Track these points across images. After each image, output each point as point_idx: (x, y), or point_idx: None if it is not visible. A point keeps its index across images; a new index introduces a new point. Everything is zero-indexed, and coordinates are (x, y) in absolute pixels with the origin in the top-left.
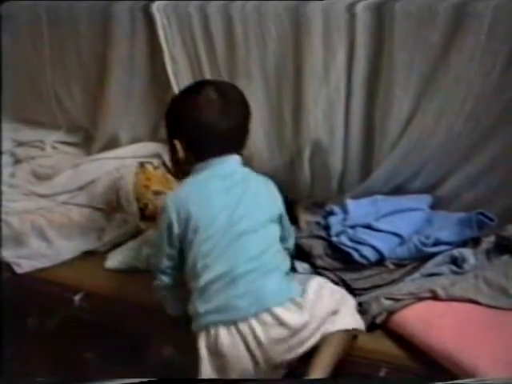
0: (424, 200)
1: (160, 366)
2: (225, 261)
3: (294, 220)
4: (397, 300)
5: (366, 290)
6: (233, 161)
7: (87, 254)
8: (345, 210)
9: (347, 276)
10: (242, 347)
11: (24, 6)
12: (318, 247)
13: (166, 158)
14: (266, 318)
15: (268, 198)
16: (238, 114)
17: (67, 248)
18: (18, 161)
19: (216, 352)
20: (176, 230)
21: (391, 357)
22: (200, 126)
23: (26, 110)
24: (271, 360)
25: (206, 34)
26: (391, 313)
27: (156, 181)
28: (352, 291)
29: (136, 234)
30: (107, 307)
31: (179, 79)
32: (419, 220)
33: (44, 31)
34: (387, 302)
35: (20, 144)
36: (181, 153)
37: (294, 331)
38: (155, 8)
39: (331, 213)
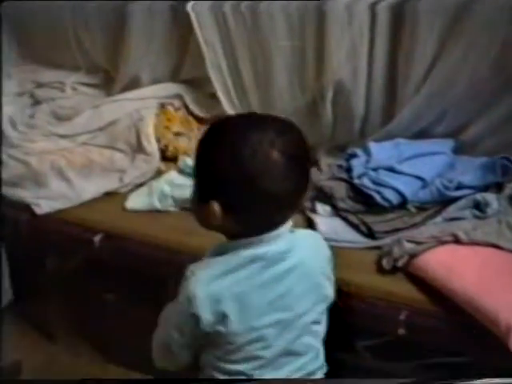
0: (447, 144)
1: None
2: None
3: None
4: (419, 243)
5: (387, 233)
6: (285, 234)
7: (107, 195)
8: (367, 153)
9: (369, 219)
10: None
11: None
12: (339, 189)
13: (187, 99)
14: None
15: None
16: (303, 172)
17: (87, 189)
18: (37, 102)
19: None
20: (202, 325)
21: (412, 300)
22: (256, 193)
23: (45, 51)
24: None
25: None
26: (413, 256)
27: (177, 122)
28: (373, 234)
29: (156, 174)
30: (127, 248)
31: (201, 21)
32: (442, 164)
33: None
34: (409, 245)
35: (39, 85)
36: (217, 217)
37: None
38: None
39: (353, 155)
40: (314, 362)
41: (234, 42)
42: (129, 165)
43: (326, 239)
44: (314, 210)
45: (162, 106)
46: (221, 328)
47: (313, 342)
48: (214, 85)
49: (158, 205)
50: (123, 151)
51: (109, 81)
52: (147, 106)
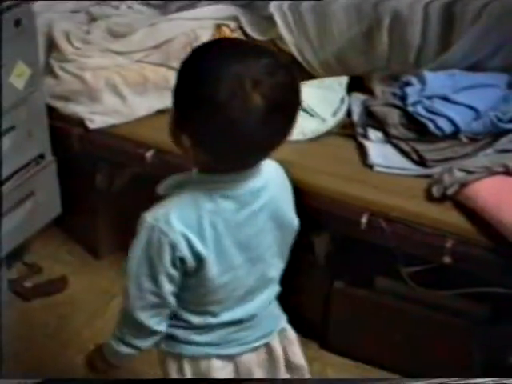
0: (502, 78)
1: None
2: (243, 306)
3: (369, 92)
4: (470, 172)
5: (438, 161)
6: (258, 172)
7: (160, 113)
8: (422, 81)
9: (420, 147)
10: (233, 374)
11: None
12: (393, 116)
13: (243, 21)
14: (261, 351)
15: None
16: (287, 120)
17: (141, 105)
18: (93, 19)
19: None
20: (180, 253)
21: (459, 229)
22: (230, 136)
23: None
24: None
25: None
26: (463, 185)
27: None
28: (424, 162)
29: None
30: (178, 165)
31: None
32: (496, 96)
33: None
34: (460, 174)
35: (96, 3)
36: (187, 148)
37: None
38: None
39: (408, 83)
40: (274, 290)
41: None
42: None
43: (377, 165)
44: (365, 136)
45: (218, 27)
46: (199, 271)
47: (275, 274)
48: (270, 7)
49: None
50: (176, 69)
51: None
52: (203, 26)
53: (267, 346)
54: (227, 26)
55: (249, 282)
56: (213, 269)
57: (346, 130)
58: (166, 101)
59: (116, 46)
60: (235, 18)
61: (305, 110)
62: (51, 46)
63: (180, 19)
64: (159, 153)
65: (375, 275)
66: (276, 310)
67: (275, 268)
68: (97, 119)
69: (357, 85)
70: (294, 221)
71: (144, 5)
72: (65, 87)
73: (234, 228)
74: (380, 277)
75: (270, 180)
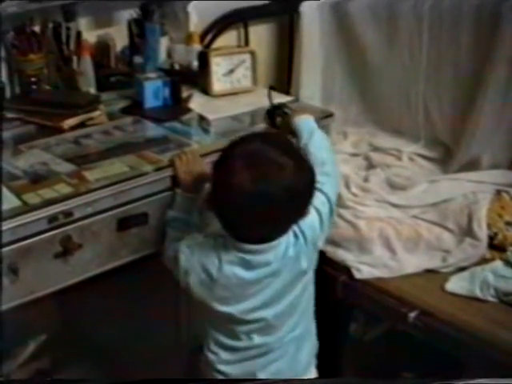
0: None
1: None
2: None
3: None
4: None
5: None
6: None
7: (428, 272)
8: None
9: None
10: None
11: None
12: None
13: None
14: None
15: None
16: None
17: (411, 262)
18: (371, 166)
19: None
20: None
21: None
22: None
23: (388, 116)
24: None
25: None
26: None
27: (510, 211)
28: None
29: (481, 261)
30: (439, 329)
31: None
32: None
33: (423, 40)
34: None
35: (376, 149)
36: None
37: None
38: None
39: None
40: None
41: None
42: (455, 246)
43: None
44: None
45: (498, 193)
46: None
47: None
48: None
49: (478, 293)
50: (452, 231)
51: (447, 156)
52: (483, 189)
53: None
54: (507, 192)
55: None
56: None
57: None
58: (436, 262)
59: (394, 198)
60: None
61: None
62: None
63: (461, 180)
64: (423, 314)
65: None
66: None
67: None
68: (364, 270)
69: None
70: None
71: (426, 158)
72: (337, 232)
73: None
74: None
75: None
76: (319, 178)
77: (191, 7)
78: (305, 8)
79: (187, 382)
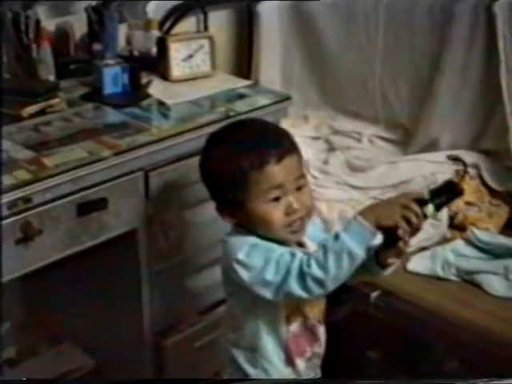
0: None
1: (441, 377)
2: None
3: None
4: None
5: None
6: None
7: None
8: None
9: None
10: None
11: None
12: None
13: (483, 170)
14: None
15: None
16: None
17: None
18: (332, 148)
19: None
20: None
21: None
22: None
23: (347, 99)
24: None
25: None
26: None
27: (469, 191)
28: None
29: (442, 241)
30: (400, 308)
31: (511, 90)
32: None
33: (380, 24)
34: None
35: (336, 132)
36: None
37: None
38: (497, 7)
39: None
40: None
41: None
42: None
43: None
44: None
45: (457, 172)
46: None
47: None
48: None
49: (440, 272)
50: None
51: (407, 138)
52: (443, 170)
53: None
54: (467, 172)
55: None
56: None
57: None
58: None
59: (354, 180)
60: (475, 166)
61: None
62: None
63: (421, 160)
64: (385, 294)
65: None
66: None
67: None
68: None
69: None
70: None
71: (385, 140)
72: None
73: None
74: None
75: None
76: (310, 258)
77: None
78: None
79: (187, 382)
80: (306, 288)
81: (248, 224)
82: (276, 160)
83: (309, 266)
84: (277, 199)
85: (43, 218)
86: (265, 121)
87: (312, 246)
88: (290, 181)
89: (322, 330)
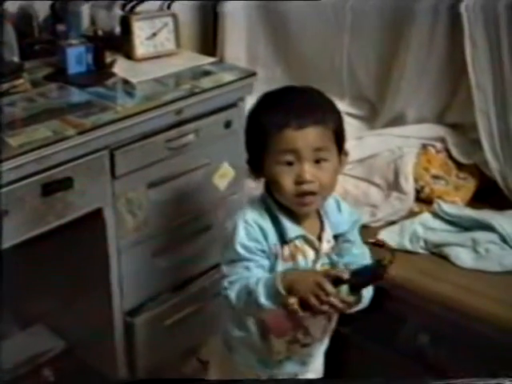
0: None
1: (412, 350)
2: None
3: None
4: None
5: None
6: None
7: None
8: None
9: None
10: None
11: None
12: None
13: (450, 143)
14: None
15: None
16: None
17: None
18: None
19: None
20: None
21: None
22: None
23: (313, 76)
24: None
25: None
26: None
27: (436, 164)
28: None
29: (409, 214)
30: None
31: (476, 64)
32: None
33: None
34: None
35: None
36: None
37: None
38: None
39: None
40: None
41: (507, 87)
42: (382, 200)
43: None
44: None
45: (424, 147)
46: None
47: None
48: (479, 131)
49: (408, 245)
50: (379, 186)
51: (372, 113)
52: (409, 144)
53: None
54: (433, 146)
55: None
56: None
57: None
58: (364, 217)
59: None
60: (442, 139)
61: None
62: None
63: (387, 135)
64: None
65: None
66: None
67: None
68: None
69: None
70: None
71: (352, 116)
72: None
73: None
74: None
75: None
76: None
77: None
78: None
79: (187, 382)
80: (226, 298)
81: (269, 185)
82: (297, 126)
83: (238, 291)
84: (290, 164)
85: (8, 199)
86: (318, 92)
87: (328, 237)
88: (307, 149)
89: (317, 325)
